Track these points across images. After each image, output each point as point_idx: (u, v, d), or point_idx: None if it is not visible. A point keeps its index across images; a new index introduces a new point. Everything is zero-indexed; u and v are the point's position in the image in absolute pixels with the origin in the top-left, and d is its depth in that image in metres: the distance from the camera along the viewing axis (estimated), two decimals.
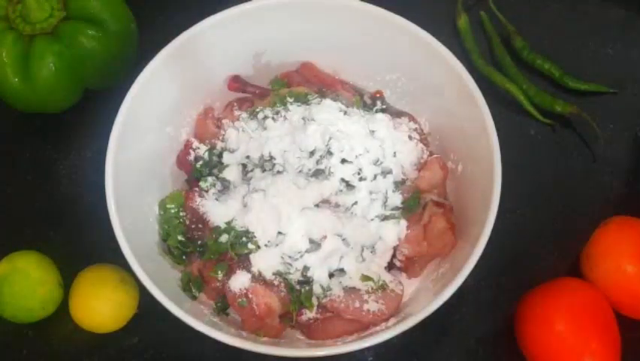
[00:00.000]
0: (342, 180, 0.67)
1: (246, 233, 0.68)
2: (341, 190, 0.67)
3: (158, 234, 0.72)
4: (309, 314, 0.67)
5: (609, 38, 0.87)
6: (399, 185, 0.70)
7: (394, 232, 0.68)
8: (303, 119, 0.71)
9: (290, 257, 0.67)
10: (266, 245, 0.68)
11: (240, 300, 0.67)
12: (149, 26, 0.82)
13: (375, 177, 0.69)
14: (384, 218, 0.68)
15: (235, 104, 0.77)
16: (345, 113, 0.73)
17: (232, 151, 0.73)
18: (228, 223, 0.70)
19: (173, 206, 0.73)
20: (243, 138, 0.72)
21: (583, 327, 0.68)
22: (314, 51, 0.77)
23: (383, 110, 0.76)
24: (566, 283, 0.72)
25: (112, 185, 0.66)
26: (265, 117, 0.72)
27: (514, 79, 0.84)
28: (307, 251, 0.67)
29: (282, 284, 0.67)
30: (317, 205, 0.68)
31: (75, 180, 0.81)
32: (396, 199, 0.69)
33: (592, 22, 0.88)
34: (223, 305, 0.70)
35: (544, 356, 0.69)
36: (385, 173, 0.70)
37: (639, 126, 0.83)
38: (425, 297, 0.67)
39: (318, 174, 0.67)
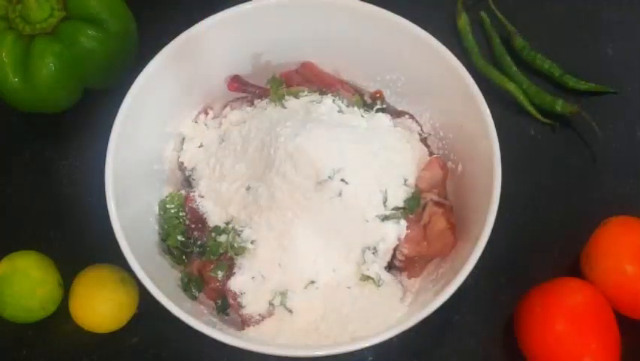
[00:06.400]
0: (342, 180, 0.67)
1: (246, 233, 0.69)
2: (341, 190, 0.67)
3: (158, 234, 0.72)
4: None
5: (609, 38, 0.87)
6: (399, 185, 0.70)
7: (394, 231, 0.68)
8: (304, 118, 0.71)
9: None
10: (266, 245, 0.68)
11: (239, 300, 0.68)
12: (149, 26, 0.82)
13: (375, 177, 0.69)
14: (385, 218, 0.68)
15: (235, 104, 0.77)
16: (344, 113, 0.73)
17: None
18: (228, 223, 0.70)
19: (173, 206, 0.73)
20: (244, 137, 0.72)
21: (583, 327, 0.68)
22: (314, 51, 0.77)
23: (383, 110, 0.76)
24: (566, 283, 0.72)
25: (112, 185, 0.66)
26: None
27: (514, 79, 0.84)
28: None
29: None
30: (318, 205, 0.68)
31: (75, 180, 0.81)
32: (396, 199, 0.69)
33: (592, 22, 0.88)
34: (223, 305, 0.71)
35: (544, 356, 0.69)
36: (385, 173, 0.70)
37: (639, 126, 0.83)
38: (425, 297, 0.67)
39: (320, 174, 0.67)
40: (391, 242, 0.69)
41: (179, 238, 0.72)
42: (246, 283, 0.68)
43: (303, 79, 0.77)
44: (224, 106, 0.78)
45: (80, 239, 0.78)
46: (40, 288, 0.72)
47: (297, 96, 0.74)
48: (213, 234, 0.70)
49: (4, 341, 0.75)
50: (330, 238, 0.68)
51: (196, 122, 0.77)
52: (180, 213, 0.72)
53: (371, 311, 0.67)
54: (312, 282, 0.68)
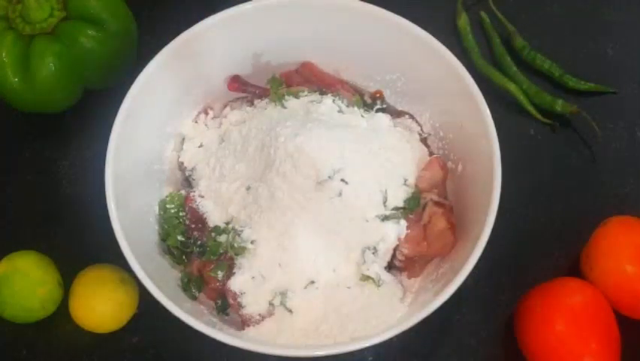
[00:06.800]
0: (342, 180, 0.67)
1: (246, 233, 0.69)
2: (341, 190, 0.67)
3: (158, 234, 0.72)
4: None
5: (609, 38, 0.87)
6: (399, 185, 0.70)
7: (394, 231, 0.68)
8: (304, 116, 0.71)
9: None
10: (266, 245, 0.68)
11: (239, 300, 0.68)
12: (149, 26, 0.82)
13: (375, 176, 0.69)
14: (385, 218, 0.68)
15: (235, 104, 0.77)
16: (344, 113, 0.73)
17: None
18: (228, 223, 0.70)
19: (173, 206, 0.73)
20: (244, 137, 0.72)
21: (583, 327, 0.68)
22: (314, 51, 0.77)
23: (383, 110, 0.76)
24: (566, 283, 0.72)
25: (112, 185, 0.66)
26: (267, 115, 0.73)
27: (514, 79, 0.84)
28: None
29: None
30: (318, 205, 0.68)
31: (75, 180, 0.81)
32: (396, 199, 0.69)
33: (592, 22, 0.88)
34: (223, 305, 0.71)
35: (544, 356, 0.69)
36: (385, 173, 0.70)
37: (639, 126, 0.83)
38: (425, 297, 0.67)
39: (320, 174, 0.67)
40: (391, 242, 0.69)
41: (179, 238, 0.72)
42: (246, 283, 0.68)
43: (303, 79, 0.77)
44: (224, 106, 0.78)
45: (80, 239, 0.78)
46: (40, 288, 0.72)
47: (297, 96, 0.74)
48: (213, 234, 0.70)
49: (4, 341, 0.75)
50: (330, 238, 0.68)
51: (196, 122, 0.77)
52: (180, 213, 0.72)
53: (371, 311, 0.67)
54: (312, 282, 0.68)
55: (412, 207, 0.69)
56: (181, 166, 0.75)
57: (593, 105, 0.83)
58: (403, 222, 0.69)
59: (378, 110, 0.76)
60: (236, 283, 0.68)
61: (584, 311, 0.69)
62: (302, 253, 0.67)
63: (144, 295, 0.68)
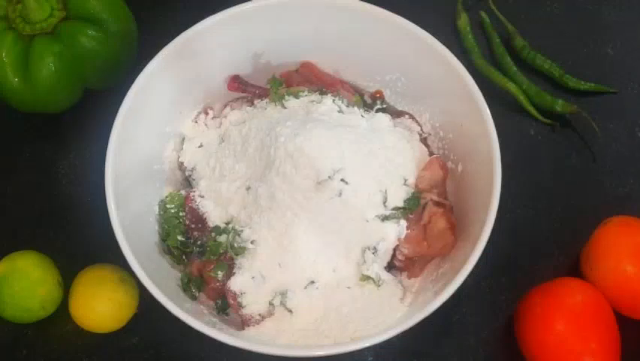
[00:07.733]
0: (342, 180, 0.67)
1: (246, 233, 0.69)
2: (341, 190, 0.67)
3: (158, 234, 0.72)
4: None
5: (609, 38, 0.87)
6: (399, 185, 0.70)
7: (394, 231, 0.68)
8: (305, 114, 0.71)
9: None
10: (266, 245, 0.68)
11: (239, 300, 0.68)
12: (149, 26, 0.82)
13: (375, 177, 0.69)
14: (385, 218, 0.68)
15: (235, 104, 0.77)
16: (344, 113, 0.73)
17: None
18: (228, 223, 0.70)
19: (172, 206, 0.73)
20: (244, 137, 0.72)
21: (583, 327, 0.68)
22: (314, 51, 0.77)
23: (383, 110, 0.76)
24: (566, 283, 0.72)
25: (112, 185, 0.66)
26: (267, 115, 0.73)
27: (514, 79, 0.84)
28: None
29: None
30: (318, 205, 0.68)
31: (75, 180, 0.81)
32: (396, 199, 0.69)
33: (592, 22, 0.88)
34: (223, 305, 0.71)
35: (544, 356, 0.69)
36: (385, 173, 0.70)
37: (639, 126, 0.83)
38: (425, 297, 0.67)
39: (320, 174, 0.67)
40: (391, 242, 0.69)
41: (179, 238, 0.72)
42: (246, 283, 0.68)
43: (303, 79, 0.77)
44: (225, 106, 0.78)
45: (80, 239, 0.78)
46: (40, 288, 0.72)
47: (297, 96, 0.74)
48: (213, 234, 0.70)
49: (4, 341, 0.75)
50: (330, 238, 0.68)
51: (196, 122, 0.77)
52: (180, 213, 0.72)
53: (371, 311, 0.67)
54: (312, 282, 0.68)
55: (412, 207, 0.69)
56: (181, 166, 0.75)
57: (593, 105, 0.83)
58: (403, 223, 0.69)
59: (378, 110, 0.76)
60: (237, 283, 0.68)
61: (584, 311, 0.69)
62: (302, 253, 0.68)
63: (144, 295, 0.68)
